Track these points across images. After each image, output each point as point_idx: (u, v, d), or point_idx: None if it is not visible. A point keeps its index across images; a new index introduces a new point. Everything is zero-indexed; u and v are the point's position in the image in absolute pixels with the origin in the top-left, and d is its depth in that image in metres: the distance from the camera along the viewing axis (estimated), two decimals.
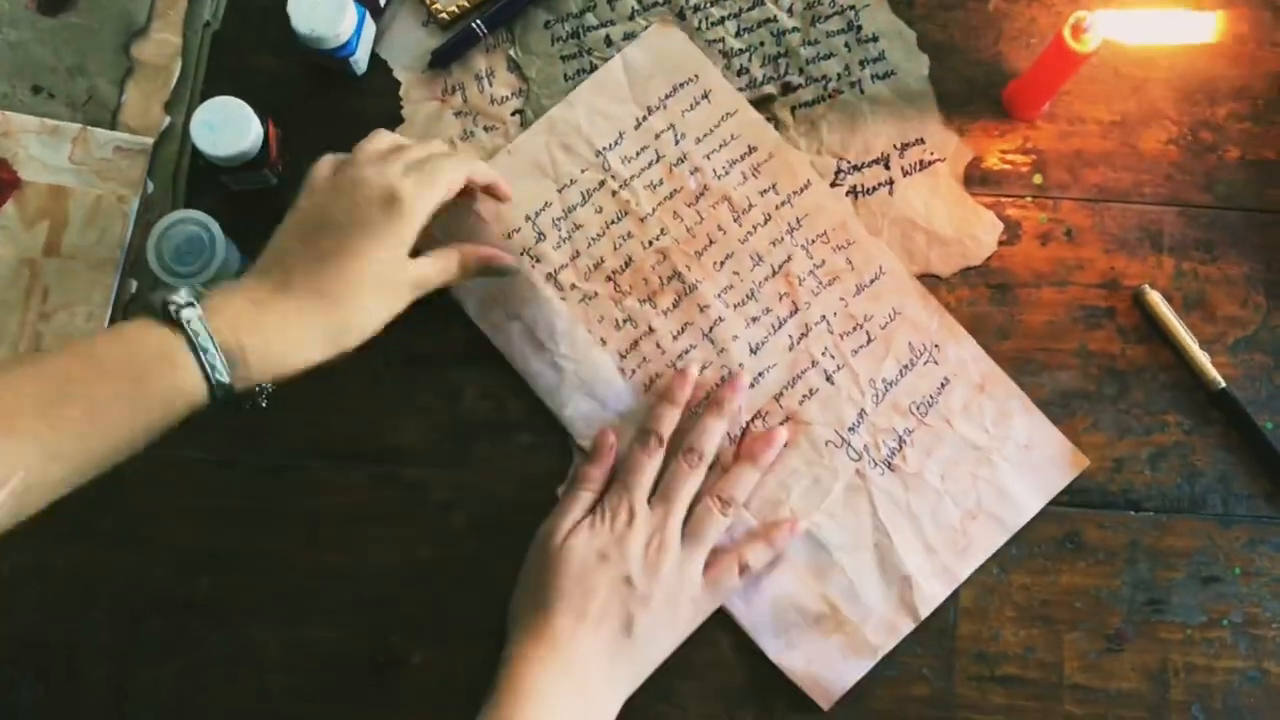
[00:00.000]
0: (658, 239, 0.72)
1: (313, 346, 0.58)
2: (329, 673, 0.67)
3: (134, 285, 0.71)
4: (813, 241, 0.71)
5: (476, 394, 0.70)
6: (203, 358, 0.54)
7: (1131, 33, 0.65)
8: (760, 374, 0.70)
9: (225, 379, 0.55)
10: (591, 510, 0.66)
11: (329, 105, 0.74)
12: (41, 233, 0.70)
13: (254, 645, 0.67)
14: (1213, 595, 0.68)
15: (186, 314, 0.54)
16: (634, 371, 0.70)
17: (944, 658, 0.67)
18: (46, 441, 0.51)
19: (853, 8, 0.74)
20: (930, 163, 0.73)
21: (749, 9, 0.75)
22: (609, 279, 0.71)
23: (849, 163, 0.73)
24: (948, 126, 0.73)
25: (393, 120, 0.73)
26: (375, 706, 0.67)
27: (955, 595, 0.68)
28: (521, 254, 0.71)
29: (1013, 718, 0.67)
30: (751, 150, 0.73)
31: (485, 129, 0.73)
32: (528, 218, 0.72)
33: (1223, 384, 0.69)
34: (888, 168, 0.73)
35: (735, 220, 0.72)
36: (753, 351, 0.70)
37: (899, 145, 0.73)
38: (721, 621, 0.67)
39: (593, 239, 0.72)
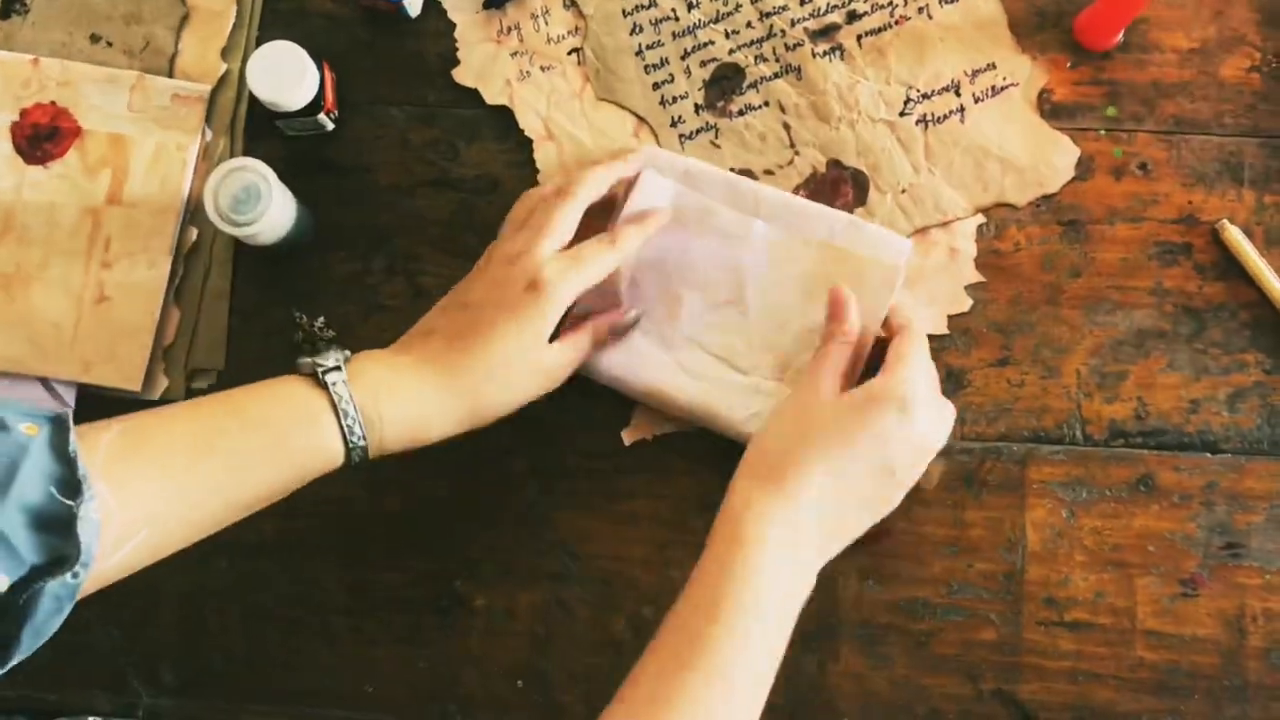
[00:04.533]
0: None
1: (446, 421, 0.60)
2: (393, 615, 0.68)
3: (194, 233, 0.71)
4: None
5: None
6: (343, 422, 0.57)
7: None
8: None
9: (363, 444, 0.57)
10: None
11: (384, 49, 0.73)
12: (104, 181, 0.71)
13: (319, 589, 0.68)
14: None
15: (332, 378, 0.57)
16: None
17: (1011, 603, 0.66)
18: (190, 490, 0.54)
19: None
20: (1003, 88, 0.70)
21: None
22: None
23: (918, 91, 0.70)
24: (1020, 51, 0.71)
25: (448, 62, 0.72)
26: (439, 648, 0.67)
27: (1023, 537, 0.66)
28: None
29: (1082, 663, 0.66)
30: None
31: (542, 69, 0.72)
32: None
33: None
34: (958, 95, 0.70)
35: None
36: None
37: (969, 71, 0.71)
38: None
39: None
